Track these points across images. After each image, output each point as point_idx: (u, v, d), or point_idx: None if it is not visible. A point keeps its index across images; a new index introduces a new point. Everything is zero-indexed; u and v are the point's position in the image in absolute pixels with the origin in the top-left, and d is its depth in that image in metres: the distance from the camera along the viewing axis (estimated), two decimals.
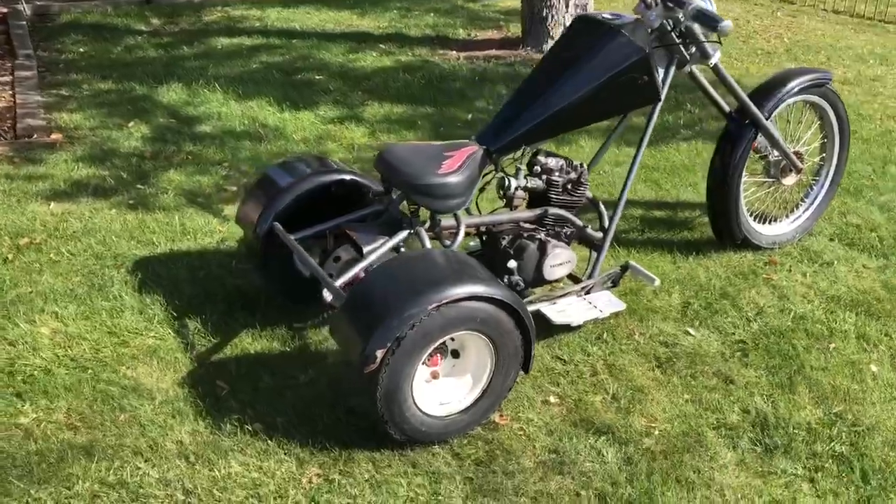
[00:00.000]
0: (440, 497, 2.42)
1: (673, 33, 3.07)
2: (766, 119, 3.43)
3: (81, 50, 6.50)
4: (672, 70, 3.14)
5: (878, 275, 3.59)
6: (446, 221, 2.94)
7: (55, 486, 2.40)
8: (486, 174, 3.02)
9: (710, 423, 2.74)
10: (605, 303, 3.09)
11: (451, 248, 2.83)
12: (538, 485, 2.47)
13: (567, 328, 3.09)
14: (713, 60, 3.16)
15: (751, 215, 3.68)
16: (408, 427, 2.50)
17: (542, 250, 3.02)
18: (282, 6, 7.88)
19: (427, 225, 2.91)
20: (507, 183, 3.02)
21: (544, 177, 3.09)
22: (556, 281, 3.13)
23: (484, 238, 3.15)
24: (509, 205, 3.07)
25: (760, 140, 3.52)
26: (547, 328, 3.00)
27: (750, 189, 3.69)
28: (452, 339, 2.55)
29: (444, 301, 2.38)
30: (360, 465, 2.52)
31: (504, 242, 3.05)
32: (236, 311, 3.21)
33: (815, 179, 3.86)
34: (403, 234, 2.86)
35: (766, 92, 3.48)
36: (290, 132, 4.96)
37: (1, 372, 2.83)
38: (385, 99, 5.55)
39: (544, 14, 6.35)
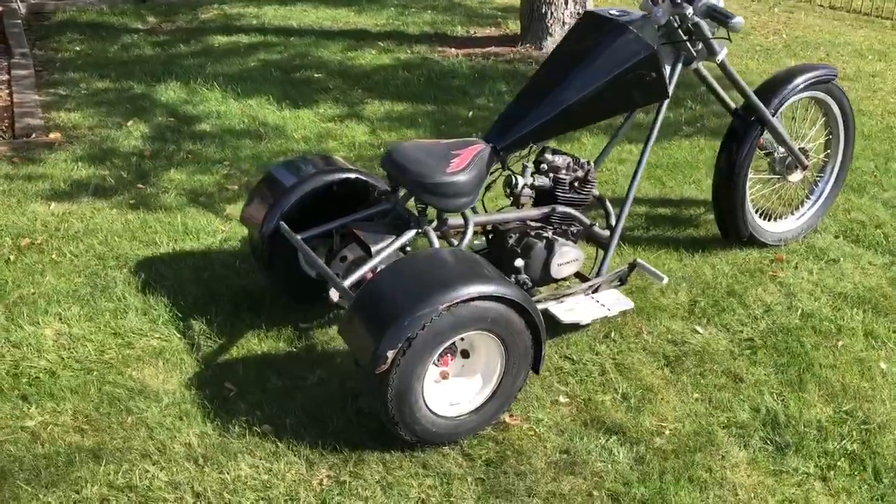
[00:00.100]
0: (452, 498, 2.41)
1: (680, 30, 3.06)
2: (773, 116, 3.42)
3: (78, 48, 6.45)
4: (679, 67, 3.14)
5: (885, 272, 3.58)
6: (453, 220, 2.92)
7: (63, 490, 2.37)
8: (493, 172, 3.00)
9: (720, 421, 2.73)
10: (614, 301, 3.07)
11: (459, 248, 2.81)
12: (550, 485, 2.46)
13: (575, 327, 3.08)
14: (720, 57, 3.14)
15: (756, 212, 3.67)
16: (418, 428, 2.48)
17: (550, 249, 3.00)
18: (278, 4, 7.85)
19: (434, 224, 2.89)
20: (514, 181, 3.00)
21: (551, 175, 3.08)
22: (564, 279, 3.12)
23: (490, 237, 3.14)
24: (516, 203, 3.06)
25: (766, 137, 3.51)
26: (554, 327, 2.99)
27: (755, 186, 3.68)
28: (462, 339, 2.53)
29: (455, 301, 2.36)
30: (370, 467, 2.50)
31: (511, 241, 3.03)
32: (242, 311, 3.19)
33: (819, 176, 3.86)
34: (411, 233, 2.83)
35: (772, 89, 3.47)
36: (290, 131, 4.94)
37: (6, 374, 2.81)
38: (385, 97, 5.53)
39: (543, 11, 6.33)
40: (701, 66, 3.26)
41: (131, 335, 3.04)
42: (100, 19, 7.29)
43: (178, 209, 3.96)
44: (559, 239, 3.03)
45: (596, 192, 3.19)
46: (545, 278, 3.04)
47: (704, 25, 3.04)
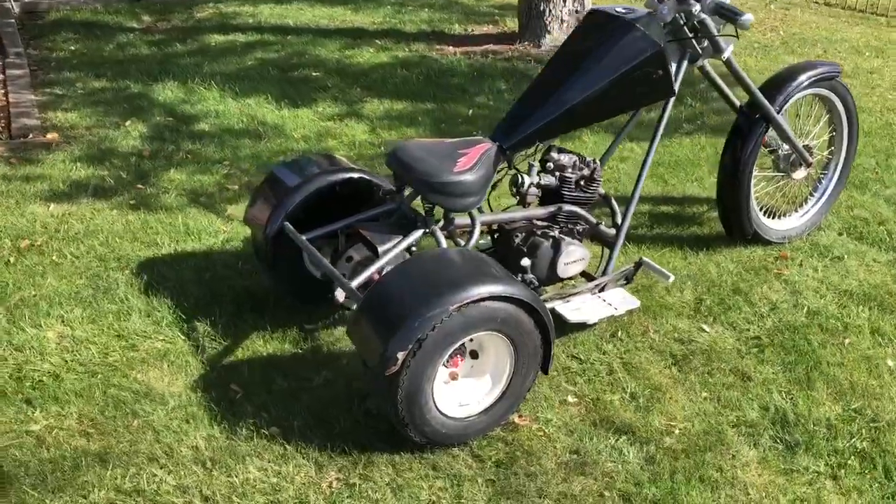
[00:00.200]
0: (463, 500, 2.39)
1: (686, 27, 3.05)
2: (777, 113, 3.41)
3: (73, 48, 6.41)
4: (685, 64, 3.12)
5: (889, 269, 3.58)
6: (459, 220, 2.90)
7: (70, 495, 2.35)
8: (499, 171, 2.98)
9: (729, 420, 2.72)
10: (620, 300, 3.06)
11: (466, 247, 2.79)
12: (561, 486, 2.44)
13: (581, 326, 3.06)
14: (726, 54, 3.14)
15: (760, 210, 3.66)
16: (428, 429, 2.46)
17: (556, 248, 2.98)
18: (274, 2, 7.81)
19: (441, 224, 2.87)
20: (520, 180, 2.99)
21: (557, 173, 3.06)
22: (570, 279, 3.10)
23: (495, 236, 3.12)
24: (522, 202, 3.04)
25: (770, 134, 3.51)
26: (561, 326, 2.97)
27: (759, 184, 3.67)
28: (471, 340, 2.52)
29: (465, 301, 2.35)
30: (379, 469, 2.48)
31: (517, 240, 3.01)
32: (245, 312, 3.16)
33: (823, 173, 3.85)
34: (418, 233, 2.81)
35: (777, 86, 3.46)
36: (289, 130, 4.91)
37: (9, 378, 2.78)
38: (384, 95, 5.50)
39: (542, 8, 6.31)
40: (706, 63, 3.25)
41: (135, 337, 3.01)
42: (94, 18, 7.23)
43: (178, 209, 3.93)
44: (565, 238, 3.02)
45: (601, 190, 3.18)
46: (551, 277, 3.02)
47: (710, 22, 3.03)
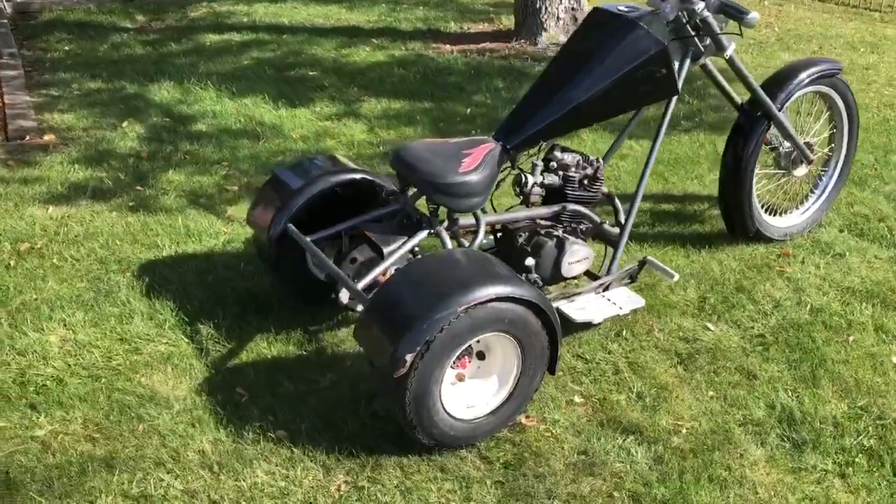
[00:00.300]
0: (472, 502, 2.38)
1: (688, 25, 3.04)
2: (779, 111, 3.41)
3: (67, 48, 6.37)
4: (687, 63, 3.12)
5: (891, 265, 3.58)
6: (464, 220, 2.89)
7: (77, 501, 2.33)
8: (502, 171, 2.97)
9: (736, 419, 2.72)
10: (625, 299, 3.06)
11: (471, 248, 2.78)
12: (570, 487, 2.44)
13: (586, 326, 3.06)
14: (729, 52, 3.13)
15: (761, 207, 3.66)
16: (436, 431, 2.45)
17: (560, 247, 2.98)
18: (268, 1, 7.77)
19: (445, 224, 2.86)
20: (524, 180, 2.98)
21: (561, 173, 3.06)
22: (574, 278, 3.10)
23: (497, 235, 3.11)
24: (526, 202, 3.03)
25: (772, 132, 3.50)
26: (565, 326, 2.95)
27: (760, 181, 3.67)
28: (478, 341, 2.51)
29: (473, 303, 2.34)
30: (387, 472, 2.47)
31: (521, 240, 3.01)
32: (249, 314, 3.15)
33: (823, 170, 3.85)
34: (423, 234, 2.80)
35: (778, 83, 3.46)
36: (287, 130, 4.89)
37: (12, 383, 2.76)
38: (381, 94, 5.49)
39: (538, 6, 6.30)
40: (708, 61, 3.24)
41: (138, 340, 3.00)
42: (87, 18, 7.19)
43: (178, 211, 3.91)
44: (569, 237, 3.01)
45: (605, 189, 3.18)
46: (556, 277, 3.02)
47: (712, 21, 3.03)
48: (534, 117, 2.91)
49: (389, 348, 2.32)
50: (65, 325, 3.06)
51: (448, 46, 6.49)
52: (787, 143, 3.57)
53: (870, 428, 2.69)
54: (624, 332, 3.10)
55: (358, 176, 3.07)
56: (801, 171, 3.65)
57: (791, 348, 3.05)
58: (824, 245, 3.71)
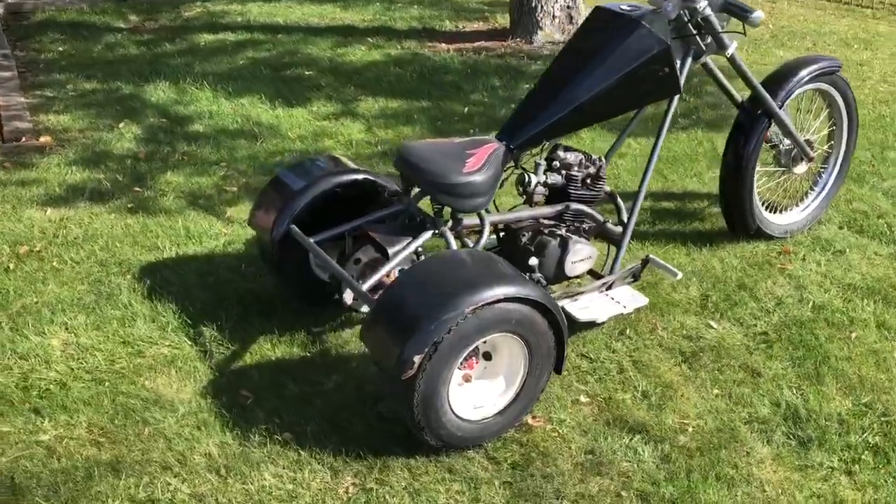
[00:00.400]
0: (481, 503, 2.38)
1: (690, 24, 3.04)
2: (779, 108, 3.41)
3: (61, 49, 6.34)
4: (689, 61, 3.12)
5: (891, 262, 3.59)
6: (467, 220, 2.88)
7: None
8: (505, 170, 2.97)
9: (741, 417, 2.72)
10: (628, 298, 3.06)
11: (476, 248, 2.77)
12: (578, 487, 2.44)
13: (589, 325, 3.06)
14: (730, 51, 3.13)
15: (762, 205, 3.67)
16: (444, 433, 2.45)
17: (564, 246, 2.98)
18: (262, 0, 7.75)
19: (449, 224, 2.86)
20: (527, 179, 2.98)
21: (563, 172, 3.05)
22: (577, 277, 3.10)
23: (500, 235, 3.11)
24: (529, 201, 3.03)
25: (772, 129, 3.51)
26: (568, 325, 2.95)
27: (761, 179, 3.68)
28: (485, 342, 2.50)
29: (480, 303, 2.33)
30: (395, 473, 2.46)
31: (524, 239, 3.00)
32: (251, 316, 3.14)
33: (823, 167, 3.86)
34: (427, 234, 2.80)
35: (779, 81, 3.46)
36: (285, 130, 4.87)
37: (15, 387, 2.74)
38: (378, 93, 5.47)
39: (533, 4, 6.30)
40: (709, 60, 3.25)
41: (141, 343, 2.98)
42: (80, 18, 7.15)
43: (178, 212, 3.89)
44: (573, 236, 3.01)
45: (607, 188, 3.18)
46: (559, 276, 3.02)
47: (714, 19, 3.03)
48: (537, 117, 2.90)
49: (397, 350, 2.32)
50: (66, 329, 3.04)
51: (444, 45, 6.48)
52: (787, 141, 3.58)
53: (874, 425, 2.69)
54: (628, 331, 3.10)
55: (360, 176, 3.06)
56: (801, 168, 3.65)
57: (794, 346, 3.05)
58: (824, 242, 3.72)
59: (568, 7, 6.34)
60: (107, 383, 2.78)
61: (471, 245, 2.87)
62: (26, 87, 5.50)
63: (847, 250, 3.66)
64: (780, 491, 2.45)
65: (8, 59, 5.96)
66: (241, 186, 4.17)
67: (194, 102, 5.25)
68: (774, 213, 3.75)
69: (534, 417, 2.69)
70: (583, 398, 2.79)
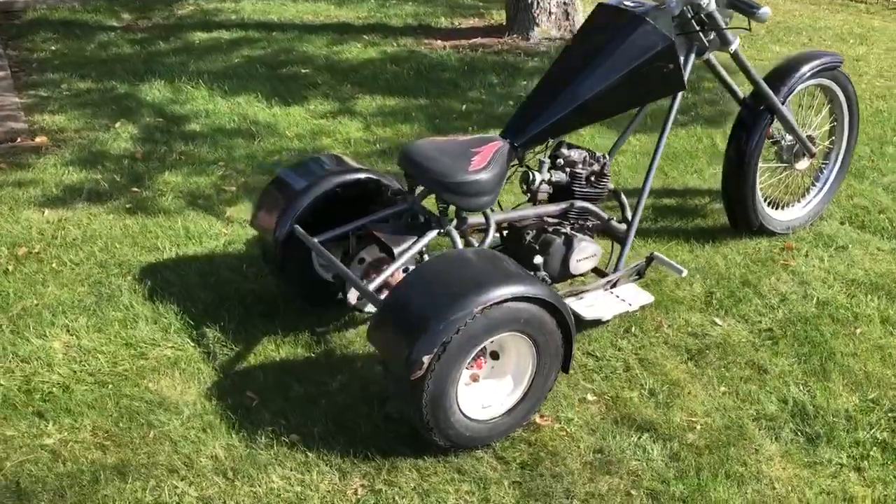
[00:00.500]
0: (490, 503, 2.37)
1: (693, 20, 3.03)
2: (782, 104, 3.41)
3: (53, 48, 6.29)
4: (692, 58, 3.11)
5: (893, 257, 3.59)
6: (472, 219, 2.87)
7: None
8: (510, 168, 2.95)
9: (749, 414, 2.71)
10: (633, 296, 3.05)
11: (481, 247, 2.76)
12: (588, 486, 2.43)
13: (594, 323, 3.05)
14: (733, 47, 3.13)
15: (764, 201, 3.66)
16: (452, 433, 2.43)
17: (568, 244, 2.96)
18: None
19: (454, 223, 2.84)
20: (531, 177, 2.96)
21: (568, 170, 3.04)
22: (582, 275, 3.08)
23: (504, 233, 3.09)
24: (534, 199, 3.02)
25: (774, 125, 3.50)
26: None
27: (763, 175, 3.67)
28: (492, 341, 2.49)
29: (489, 303, 2.32)
30: (404, 474, 2.45)
31: (528, 237, 2.99)
32: (254, 316, 3.11)
33: (824, 163, 3.86)
34: (433, 233, 2.78)
35: (781, 77, 3.46)
36: (282, 128, 4.84)
37: (18, 391, 2.71)
38: (375, 91, 5.45)
39: (530, 1, 6.28)
40: (712, 56, 3.24)
41: (143, 345, 2.96)
42: (72, 17, 7.10)
43: (177, 213, 3.86)
44: (577, 234, 3.00)
45: (611, 185, 3.17)
46: (564, 274, 3.00)
47: (718, 15, 3.02)
48: (541, 114, 2.89)
49: (406, 350, 2.30)
50: (68, 331, 3.01)
51: (440, 42, 6.46)
52: (789, 137, 3.57)
53: (882, 421, 2.69)
54: (633, 329, 3.09)
55: (363, 176, 3.04)
56: (803, 164, 3.65)
57: (800, 342, 3.05)
58: (826, 238, 3.72)
59: (564, 3, 6.33)
60: (110, 386, 2.76)
61: (476, 244, 2.86)
62: (20, 86, 5.46)
63: (849, 246, 3.66)
64: (789, 488, 2.44)
65: (1, 59, 5.92)
66: (240, 186, 4.14)
67: (190, 101, 5.22)
68: (776, 209, 3.75)
69: (542, 416, 2.67)
70: (590, 396, 2.78)
